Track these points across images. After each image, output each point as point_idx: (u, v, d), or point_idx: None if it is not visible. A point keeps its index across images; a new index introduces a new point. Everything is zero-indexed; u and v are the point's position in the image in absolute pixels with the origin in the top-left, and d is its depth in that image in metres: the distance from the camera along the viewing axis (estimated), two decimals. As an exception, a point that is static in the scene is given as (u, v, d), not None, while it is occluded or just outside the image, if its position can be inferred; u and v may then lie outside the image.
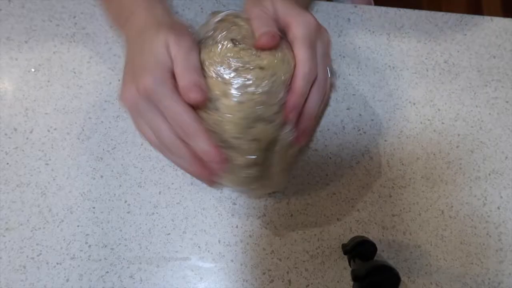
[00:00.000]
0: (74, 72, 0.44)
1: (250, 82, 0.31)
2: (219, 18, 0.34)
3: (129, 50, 0.35)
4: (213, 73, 0.32)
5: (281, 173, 0.36)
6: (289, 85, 0.32)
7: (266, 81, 0.31)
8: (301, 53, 0.33)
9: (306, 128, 0.35)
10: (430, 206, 0.42)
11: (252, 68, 0.31)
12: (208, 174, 0.33)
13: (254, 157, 0.33)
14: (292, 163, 0.38)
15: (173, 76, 0.32)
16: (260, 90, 0.31)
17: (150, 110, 0.32)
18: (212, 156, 0.32)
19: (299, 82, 0.32)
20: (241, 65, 0.31)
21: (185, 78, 0.31)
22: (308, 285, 0.40)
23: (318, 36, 0.35)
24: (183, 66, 0.31)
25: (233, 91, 0.31)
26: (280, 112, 0.32)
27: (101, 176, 0.41)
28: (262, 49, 0.32)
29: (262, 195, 0.42)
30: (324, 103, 0.37)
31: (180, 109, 0.31)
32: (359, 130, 0.44)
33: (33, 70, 0.44)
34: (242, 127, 0.32)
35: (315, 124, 0.43)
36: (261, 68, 0.31)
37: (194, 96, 0.31)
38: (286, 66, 0.32)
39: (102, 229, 0.40)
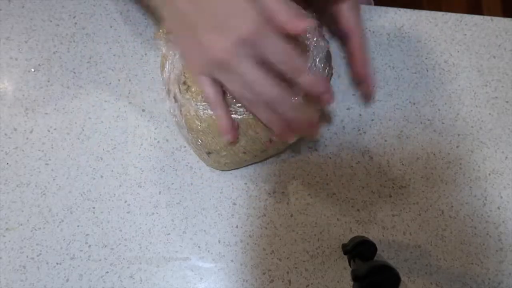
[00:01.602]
0: (74, 72, 0.44)
1: None
2: None
3: (184, 5, 0.30)
4: None
5: None
6: None
7: None
8: (352, 23, 0.39)
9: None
10: (430, 206, 0.42)
11: None
12: (314, 118, 0.35)
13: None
14: None
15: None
16: None
17: (246, 59, 0.30)
18: (323, 84, 0.32)
19: (361, 52, 0.40)
20: None
21: (285, 9, 0.29)
22: (308, 285, 0.40)
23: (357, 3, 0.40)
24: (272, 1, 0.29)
25: None
26: None
27: (101, 176, 0.41)
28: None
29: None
30: None
31: (288, 45, 0.30)
32: (359, 130, 0.44)
33: (33, 70, 0.44)
34: None
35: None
36: None
37: (304, 23, 0.29)
38: None
39: (102, 229, 0.40)
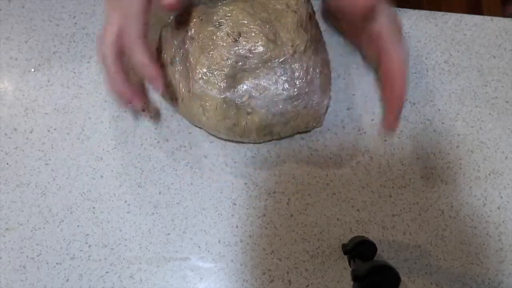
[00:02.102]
0: (74, 72, 0.44)
1: None
2: None
3: None
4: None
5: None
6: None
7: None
8: (397, 57, 0.37)
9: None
10: (430, 206, 0.42)
11: None
12: (159, 74, 0.36)
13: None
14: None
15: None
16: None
17: (115, 9, 0.35)
18: (150, 68, 0.35)
19: (402, 84, 0.37)
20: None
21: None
22: (308, 285, 0.40)
23: (395, 20, 0.39)
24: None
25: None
26: None
27: (101, 176, 0.41)
28: None
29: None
30: None
31: (138, 18, 0.35)
32: (359, 130, 0.44)
33: (33, 70, 0.44)
34: None
35: None
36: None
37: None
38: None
39: (102, 229, 0.40)
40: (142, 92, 0.43)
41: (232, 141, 0.42)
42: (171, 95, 0.40)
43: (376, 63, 0.42)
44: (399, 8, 0.49)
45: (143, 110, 0.43)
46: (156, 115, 0.43)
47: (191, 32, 0.37)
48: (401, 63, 0.37)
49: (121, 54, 0.36)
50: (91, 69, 0.44)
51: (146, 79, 0.37)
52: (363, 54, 0.45)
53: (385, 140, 0.44)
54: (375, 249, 0.37)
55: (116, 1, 0.36)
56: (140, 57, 0.35)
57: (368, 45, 0.41)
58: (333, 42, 0.46)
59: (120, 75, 0.36)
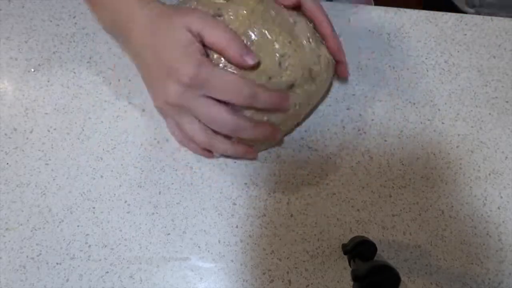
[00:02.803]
0: (74, 72, 0.44)
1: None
2: None
3: (143, 53, 0.35)
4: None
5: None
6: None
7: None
8: (313, 6, 0.39)
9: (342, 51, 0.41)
10: (430, 206, 0.42)
11: None
12: (275, 129, 0.37)
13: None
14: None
15: (205, 54, 0.33)
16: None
17: (197, 98, 0.33)
18: (279, 99, 0.35)
19: (328, 27, 0.39)
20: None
21: (232, 46, 0.32)
22: (308, 285, 0.40)
23: None
24: (220, 35, 0.32)
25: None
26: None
27: (101, 176, 0.41)
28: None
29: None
30: None
31: (231, 77, 0.33)
32: (359, 130, 0.44)
33: (33, 70, 0.44)
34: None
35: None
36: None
37: (251, 58, 0.32)
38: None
39: (102, 229, 0.40)
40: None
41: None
42: None
43: None
44: (399, 8, 0.49)
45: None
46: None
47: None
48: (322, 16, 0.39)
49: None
50: (91, 69, 0.44)
51: (279, 107, 0.37)
52: None
53: (385, 140, 0.44)
54: (375, 249, 0.37)
55: (188, 89, 0.33)
56: (267, 96, 0.34)
57: None
58: (333, 42, 0.46)
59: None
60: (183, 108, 0.34)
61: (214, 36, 0.32)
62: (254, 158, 0.42)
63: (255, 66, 0.34)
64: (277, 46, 0.36)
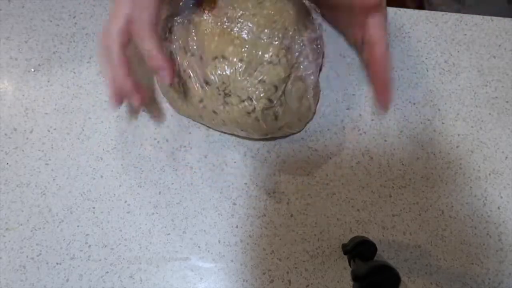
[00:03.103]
0: (74, 72, 0.44)
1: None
2: None
3: None
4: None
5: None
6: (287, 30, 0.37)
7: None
8: (378, 35, 0.39)
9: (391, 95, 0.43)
10: (430, 206, 0.42)
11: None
12: (166, 63, 0.35)
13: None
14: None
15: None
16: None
17: (124, 2, 0.33)
18: (158, 58, 0.34)
19: (382, 57, 0.39)
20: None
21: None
22: (308, 285, 0.40)
23: (385, 16, 0.40)
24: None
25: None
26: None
27: (101, 176, 0.41)
28: None
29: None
30: None
31: (148, 11, 0.33)
32: (359, 130, 0.44)
33: (33, 70, 0.44)
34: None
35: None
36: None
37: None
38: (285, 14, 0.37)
39: (102, 229, 0.40)
40: (143, 88, 0.39)
41: (240, 137, 0.43)
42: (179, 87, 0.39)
43: (358, 45, 0.45)
44: (399, 8, 0.49)
45: (141, 109, 0.42)
46: (158, 115, 0.43)
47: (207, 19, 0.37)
48: (384, 46, 0.39)
49: (126, 45, 0.35)
50: (91, 69, 0.44)
51: (154, 69, 0.35)
52: (344, 35, 0.47)
53: (385, 140, 0.44)
54: (375, 249, 0.37)
55: None
56: (149, 45, 0.34)
57: (355, 31, 0.42)
58: (333, 43, 0.46)
59: (123, 68, 0.35)
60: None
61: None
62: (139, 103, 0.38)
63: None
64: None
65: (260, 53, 0.36)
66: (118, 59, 0.35)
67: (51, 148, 0.42)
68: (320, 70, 0.44)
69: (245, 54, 0.36)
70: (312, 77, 0.39)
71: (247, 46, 0.36)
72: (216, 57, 0.37)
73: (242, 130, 0.39)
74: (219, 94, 0.37)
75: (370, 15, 0.39)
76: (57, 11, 0.46)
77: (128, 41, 0.35)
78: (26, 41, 0.45)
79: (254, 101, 0.37)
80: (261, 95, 0.37)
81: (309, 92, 0.40)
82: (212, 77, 0.37)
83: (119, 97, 0.37)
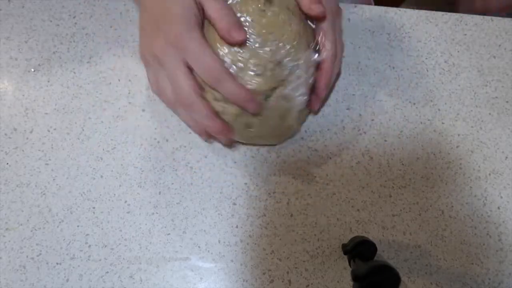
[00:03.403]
0: (74, 72, 0.44)
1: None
2: None
3: (150, 2, 0.36)
4: None
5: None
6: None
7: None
8: (328, 40, 0.38)
9: (325, 98, 0.43)
10: (430, 206, 0.42)
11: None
12: (225, 129, 0.36)
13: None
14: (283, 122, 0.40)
15: (201, 25, 0.34)
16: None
17: (175, 59, 0.33)
18: (244, 94, 0.34)
19: (329, 66, 0.38)
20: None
21: (223, 19, 0.33)
22: (308, 285, 0.40)
23: (337, 17, 0.40)
24: (217, 8, 0.33)
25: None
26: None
27: (101, 176, 0.41)
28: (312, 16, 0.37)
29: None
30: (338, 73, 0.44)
31: (210, 54, 0.33)
32: (359, 130, 0.44)
33: (33, 70, 0.44)
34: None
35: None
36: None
37: (238, 34, 0.33)
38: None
39: (102, 229, 0.40)
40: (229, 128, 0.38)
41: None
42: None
43: None
44: (399, 8, 0.49)
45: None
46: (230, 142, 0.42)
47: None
48: (331, 55, 0.38)
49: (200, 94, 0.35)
50: (91, 69, 0.44)
51: (213, 134, 0.37)
52: None
53: (385, 140, 0.44)
54: (375, 249, 0.37)
55: (170, 47, 0.34)
56: (202, 114, 0.35)
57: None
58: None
59: (213, 120, 0.36)
60: (161, 63, 0.35)
61: (211, 9, 0.33)
62: (228, 140, 0.40)
63: (243, 42, 0.34)
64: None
65: (247, 59, 0.35)
66: (207, 115, 0.35)
67: (51, 148, 0.42)
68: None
69: (230, 56, 0.35)
70: (300, 98, 0.38)
71: (235, 48, 0.35)
72: None
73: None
74: (201, 87, 0.37)
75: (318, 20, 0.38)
76: (57, 11, 0.46)
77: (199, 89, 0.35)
78: (26, 41, 0.45)
79: (225, 104, 0.36)
80: None
81: (292, 113, 0.38)
82: None
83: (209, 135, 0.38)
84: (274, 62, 0.35)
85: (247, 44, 0.35)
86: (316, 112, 0.44)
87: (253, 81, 0.35)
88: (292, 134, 0.43)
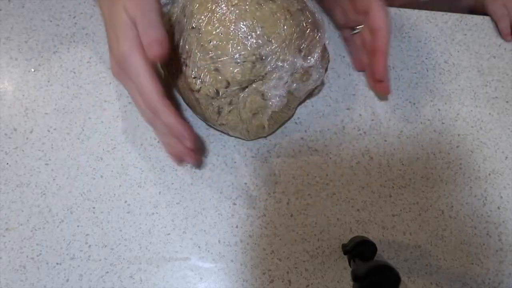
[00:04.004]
0: (74, 72, 0.44)
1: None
2: None
3: (105, 24, 0.36)
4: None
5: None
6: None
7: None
8: (384, 20, 0.40)
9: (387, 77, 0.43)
10: (430, 206, 0.42)
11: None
12: (186, 150, 0.35)
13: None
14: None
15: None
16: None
17: (127, 81, 0.34)
18: (178, 128, 0.33)
19: (386, 46, 0.40)
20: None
21: (146, 37, 0.32)
22: (308, 285, 0.40)
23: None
24: (143, 25, 0.32)
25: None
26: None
27: (101, 176, 0.41)
28: None
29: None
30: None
31: (146, 83, 0.32)
32: (359, 130, 0.44)
33: (33, 70, 0.44)
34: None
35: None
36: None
37: (154, 51, 0.32)
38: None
39: (102, 229, 0.40)
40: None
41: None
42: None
43: (344, 22, 0.46)
44: (399, 8, 0.49)
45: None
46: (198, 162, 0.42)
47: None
48: (387, 33, 0.40)
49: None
50: (91, 69, 0.44)
51: (175, 137, 0.35)
52: (331, 14, 0.47)
53: (385, 140, 0.44)
54: (375, 249, 0.37)
55: (120, 69, 0.34)
56: (166, 117, 0.33)
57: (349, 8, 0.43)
58: (333, 43, 0.46)
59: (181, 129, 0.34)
60: (120, 81, 0.35)
61: (140, 25, 0.32)
62: (194, 164, 0.40)
63: (163, 56, 0.33)
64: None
65: (229, 45, 0.35)
66: (170, 137, 0.35)
67: (51, 148, 0.42)
68: (302, 102, 0.44)
69: (215, 39, 0.35)
70: (276, 100, 0.38)
71: (222, 33, 0.35)
72: (193, 28, 0.36)
73: (187, 104, 0.40)
74: (181, 62, 0.37)
75: None
76: (57, 11, 0.46)
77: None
78: (26, 41, 0.45)
79: (199, 83, 0.36)
80: (210, 81, 0.36)
81: (265, 112, 0.39)
82: (182, 43, 0.37)
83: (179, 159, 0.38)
84: (257, 55, 0.35)
85: (234, 31, 0.35)
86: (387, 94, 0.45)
87: (231, 68, 0.35)
88: (264, 135, 0.43)
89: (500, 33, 0.49)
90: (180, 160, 0.39)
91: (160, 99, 0.32)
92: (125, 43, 0.32)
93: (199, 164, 0.42)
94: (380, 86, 0.43)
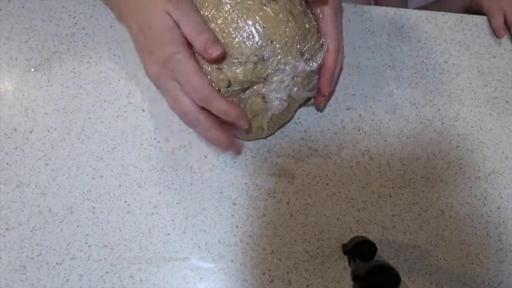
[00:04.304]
0: (74, 72, 0.44)
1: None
2: None
3: (133, 28, 0.36)
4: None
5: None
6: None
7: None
8: (332, 32, 0.39)
9: (331, 93, 0.43)
10: (430, 206, 0.42)
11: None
12: (231, 141, 0.36)
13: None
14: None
15: (186, 40, 0.34)
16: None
17: (170, 81, 0.34)
18: (232, 112, 0.34)
19: (332, 58, 0.39)
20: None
21: (198, 38, 0.33)
22: (308, 285, 0.40)
23: (340, 13, 0.40)
24: (191, 27, 0.34)
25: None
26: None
27: (101, 176, 0.41)
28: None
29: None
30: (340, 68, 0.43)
31: (197, 75, 0.33)
32: (359, 130, 0.44)
33: (33, 70, 0.44)
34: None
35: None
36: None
37: (213, 52, 0.33)
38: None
39: (102, 229, 0.40)
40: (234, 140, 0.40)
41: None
42: None
43: None
44: (399, 8, 0.49)
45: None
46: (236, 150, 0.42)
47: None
48: (335, 46, 0.39)
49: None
50: (91, 69, 0.44)
51: (231, 121, 0.36)
52: None
53: (385, 140, 0.44)
54: (375, 249, 0.37)
55: (164, 71, 0.34)
56: (218, 105, 0.34)
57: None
58: (333, 42, 0.46)
59: (218, 131, 0.36)
60: (159, 86, 0.36)
61: (186, 27, 0.34)
62: (236, 152, 0.42)
63: (221, 57, 0.34)
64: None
65: (231, 44, 0.35)
66: (214, 130, 0.35)
67: (51, 148, 0.42)
68: (302, 105, 0.44)
69: (217, 37, 0.35)
70: (277, 103, 0.38)
71: (224, 31, 0.35)
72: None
73: None
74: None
75: (321, 6, 0.38)
76: (57, 11, 0.46)
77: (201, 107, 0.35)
78: (26, 41, 0.45)
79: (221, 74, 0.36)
80: (212, 80, 0.36)
81: (266, 115, 0.39)
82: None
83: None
84: (258, 56, 0.35)
85: (236, 29, 0.35)
86: (321, 110, 0.45)
87: (232, 68, 0.35)
88: (263, 137, 0.43)
89: (493, 29, 0.49)
90: (225, 149, 0.39)
91: (212, 89, 0.34)
92: (171, 45, 0.33)
93: (240, 151, 0.43)
94: (318, 99, 0.42)
